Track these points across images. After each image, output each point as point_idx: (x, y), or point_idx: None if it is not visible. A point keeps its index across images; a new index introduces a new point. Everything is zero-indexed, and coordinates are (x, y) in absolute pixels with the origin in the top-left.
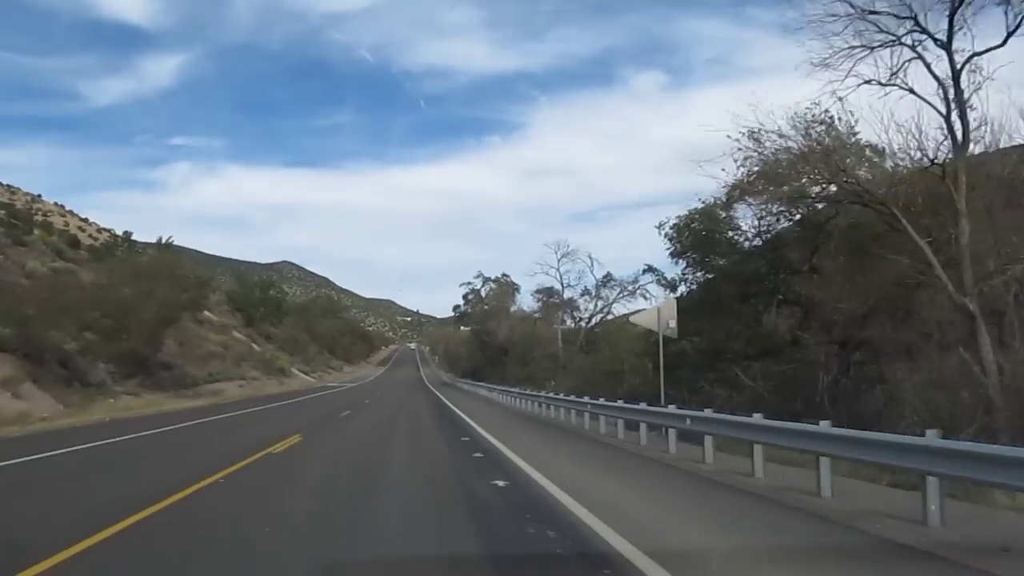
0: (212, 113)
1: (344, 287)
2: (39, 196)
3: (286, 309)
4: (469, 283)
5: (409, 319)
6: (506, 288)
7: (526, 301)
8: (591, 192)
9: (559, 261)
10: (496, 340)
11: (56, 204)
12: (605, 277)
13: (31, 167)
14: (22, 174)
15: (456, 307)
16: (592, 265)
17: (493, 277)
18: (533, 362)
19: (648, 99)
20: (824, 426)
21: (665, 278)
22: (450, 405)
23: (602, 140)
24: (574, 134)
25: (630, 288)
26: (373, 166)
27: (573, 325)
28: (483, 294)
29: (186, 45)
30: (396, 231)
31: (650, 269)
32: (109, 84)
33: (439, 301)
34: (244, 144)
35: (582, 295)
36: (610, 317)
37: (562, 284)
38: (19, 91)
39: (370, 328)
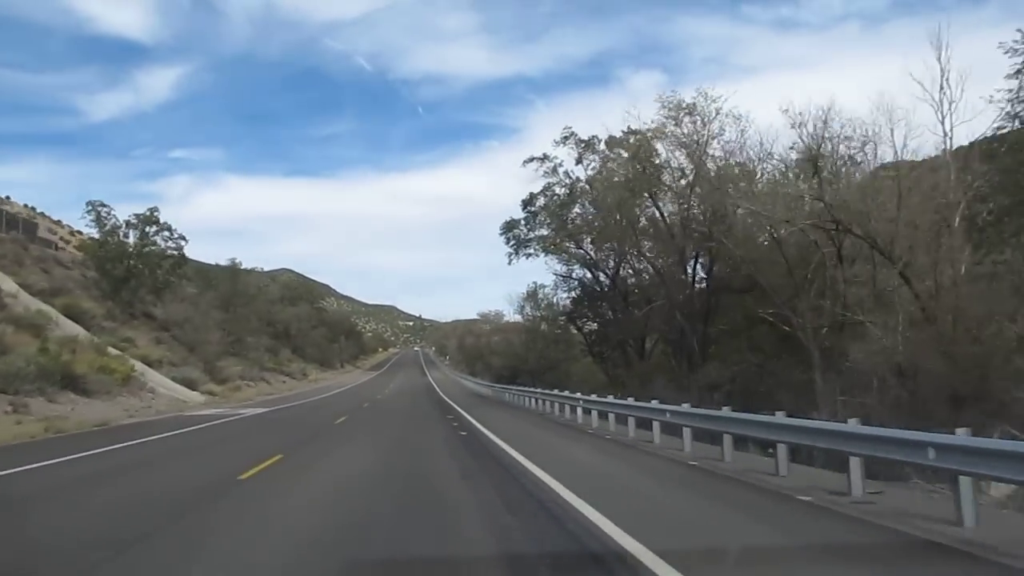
0: (211, 125)
1: (345, 293)
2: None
3: (192, 276)
4: (543, 158)
5: (411, 323)
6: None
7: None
8: None
9: None
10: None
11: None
12: None
13: (31, 183)
14: (22, 190)
15: (508, 228)
16: None
17: (618, 132)
18: None
19: (645, 99)
20: None
21: None
22: None
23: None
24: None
25: None
26: (372, 173)
27: None
28: (582, 174)
29: (184, 58)
30: (396, 237)
31: None
32: (107, 99)
33: (440, 306)
34: (243, 155)
35: None
36: None
37: None
38: (18, 108)
39: (368, 332)
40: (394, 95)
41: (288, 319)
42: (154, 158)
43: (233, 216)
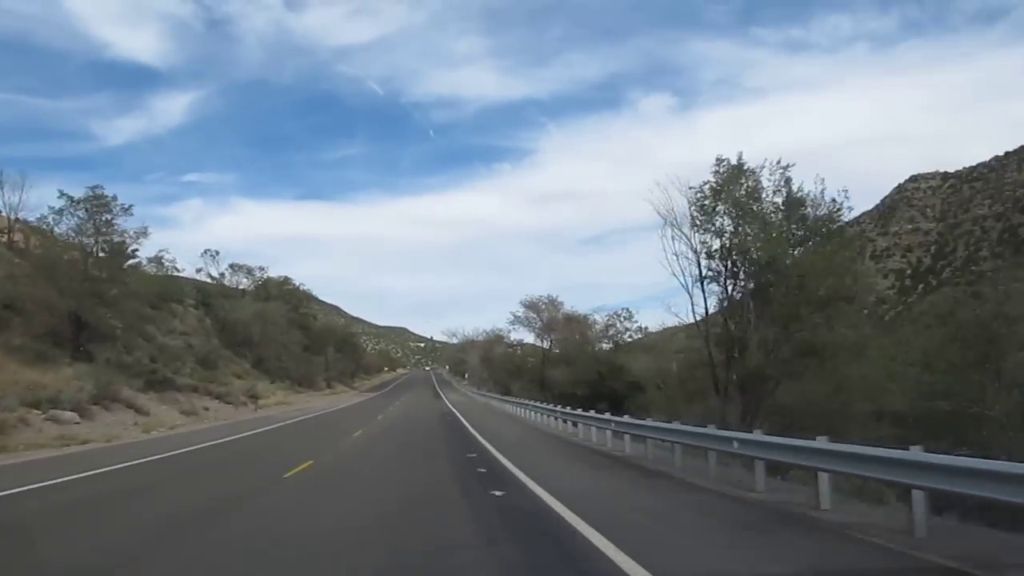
0: (224, 149)
1: (356, 315)
2: None
3: None
4: None
5: (423, 344)
6: None
7: None
8: (600, 216)
9: None
10: None
11: None
12: None
13: (46, 207)
14: (33, 214)
15: None
16: None
17: None
18: None
19: (656, 121)
20: None
21: None
22: None
23: (611, 163)
24: (583, 158)
25: None
26: (384, 196)
27: None
28: None
29: (197, 83)
30: (407, 260)
31: None
32: (122, 123)
33: (452, 328)
34: (255, 179)
35: None
36: None
37: None
38: (35, 133)
39: (373, 350)
40: (406, 118)
41: (248, 319)
42: (167, 182)
43: (245, 239)
